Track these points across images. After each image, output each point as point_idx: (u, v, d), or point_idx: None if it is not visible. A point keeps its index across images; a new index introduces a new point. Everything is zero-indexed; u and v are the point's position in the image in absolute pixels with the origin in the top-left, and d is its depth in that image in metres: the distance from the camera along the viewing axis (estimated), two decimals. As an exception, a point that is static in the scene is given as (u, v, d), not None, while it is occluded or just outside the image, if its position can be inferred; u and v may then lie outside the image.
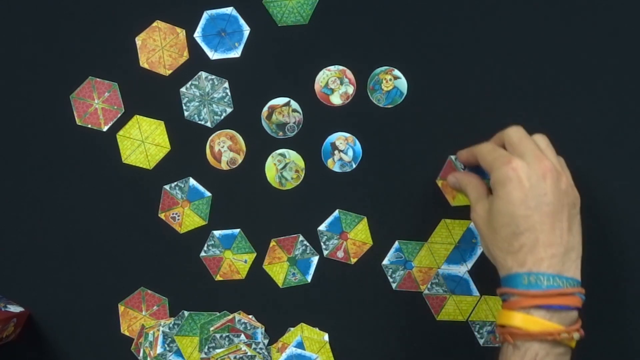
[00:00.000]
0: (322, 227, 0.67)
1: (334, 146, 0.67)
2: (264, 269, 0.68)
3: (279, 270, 0.67)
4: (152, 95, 0.68)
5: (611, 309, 0.66)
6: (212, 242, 0.68)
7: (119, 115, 0.68)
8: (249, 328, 0.67)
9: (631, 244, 0.66)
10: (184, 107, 0.68)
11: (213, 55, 0.67)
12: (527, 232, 0.54)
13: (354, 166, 0.67)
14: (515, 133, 0.58)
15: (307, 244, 0.67)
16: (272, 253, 0.67)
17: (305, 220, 0.67)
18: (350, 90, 0.67)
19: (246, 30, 0.67)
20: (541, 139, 0.59)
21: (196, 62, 0.67)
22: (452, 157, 0.66)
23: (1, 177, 0.68)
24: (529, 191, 0.54)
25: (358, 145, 0.67)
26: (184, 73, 0.68)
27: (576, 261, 0.56)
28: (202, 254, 0.68)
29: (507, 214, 0.55)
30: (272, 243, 0.67)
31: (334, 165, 0.67)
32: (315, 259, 0.67)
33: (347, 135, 0.67)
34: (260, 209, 0.67)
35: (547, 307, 0.53)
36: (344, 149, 0.67)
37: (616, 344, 0.66)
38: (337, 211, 0.67)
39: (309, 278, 0.67)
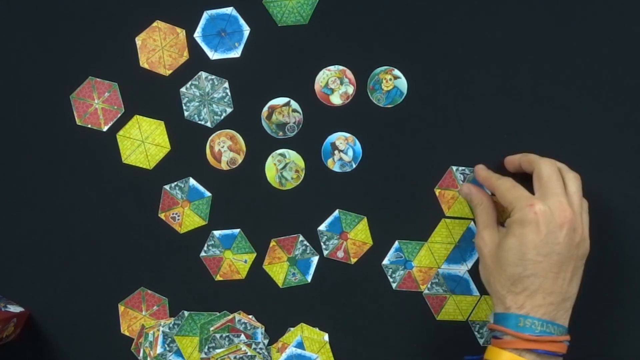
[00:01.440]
0: (322, 227, 0.67)
1: (334, 146, 0.67)
2: (264, 269, 0.68)
3: (279, 270, 0.67)
4: (152, 95, 0.68)
5: (611, 309, 0.66)
6: (212, 242, 0.68)
7: (119, 115, 0.68)
8: (249, 328, 0.67)
9: (631, 244, 0.66)
10: (184, 107, 0.68)
11: (213, 55, 0.67)
12: (532, 276, 0.55)
13: (354, 166, 0.67)
14: (546, 169, 0.59)
15: (307, 244, 0.67)
16: (272, 253, 0.67)
17: (305, 220, 0.67)
18: (350, 90, 0.67)
19: (246, 30, 0.67)
20: (573, 182, 0.59)
21: (196, 62, 0.67)
22: (454, 167, 0.66)
23: (1, 177, 0.68)
24: (544, 237, 0.55)
25: (358, 145, 0.67)
26: (184, 73, 0.68)
27: (569, 310, 0.57)
28: (202, 254, 0.68)
29: (518, 254, 0.56)
30: (272, 243, 0.67)
31: (334, 165, 0.67)
32: (315, 259, 0.67)
33: (347, 135, 0.67)
34: (260, 209, 0.67)
35: (536, 352, 0.55)
36: (344, 149, 0.67)
37: (616, 344, 0.66)
38: (337, 211, 0.67)
39: (309, 278, 0.67)
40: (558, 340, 0.55)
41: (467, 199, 0.65)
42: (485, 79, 0.66)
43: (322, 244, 0.67)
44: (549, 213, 0.56)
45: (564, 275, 0.56)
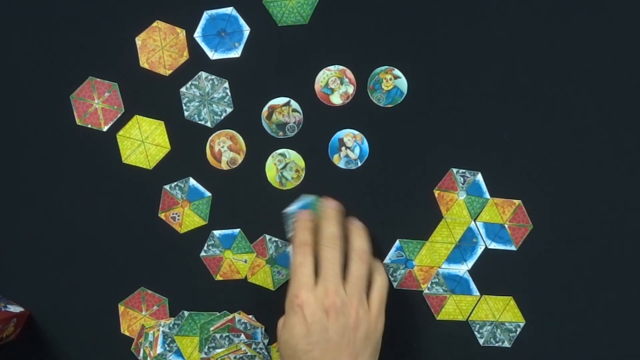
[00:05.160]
0: (288, 210, 0.66)
1: (341, 142, 0.67)
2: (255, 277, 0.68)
3: (264, 276, 0.67)
4: (152, 95, 0.68)
5: (612, 309, 0.66)
6: (212, 242, 0.68)
7: (119, 115, 0.68)
8: (249, 328, 0.67)
9: (631, 243, 0.66)
10: (184, 107, 0.68)
11: (213, 55, 0.67)
12: None
13: (359, 164, 0.67)
14: (325, 252, 0.58)
15: (276, 239, 0.67)
16: (253, 263, 0.67)
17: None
18: (351, 90, 0.67)
19: (246, 30, 0.67)
20: (354, 263, 0.59)
21: (196, 62, 0.68)
22: (454, 169, 0.66)
23: (1, 177, 0.68)
24: (311, 326, 0.55)
25: (365, 144, 0.67)
26: (184, 73, 0.68)
27: None
28: (202, 254, 0.68)
29: (291, 346, 0.56)
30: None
31: (339, 161, 0.67)
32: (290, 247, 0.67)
33: (356, 132, 0.67)
34: (260, 209, 0.67)
35: None
36: (351, 146, 0.67)
37: (616, 344, 0.66)
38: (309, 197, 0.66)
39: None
40: None
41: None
42: (486, 78, 0.66)
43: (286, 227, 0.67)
44: (314, 302, 0.55)
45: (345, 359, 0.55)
